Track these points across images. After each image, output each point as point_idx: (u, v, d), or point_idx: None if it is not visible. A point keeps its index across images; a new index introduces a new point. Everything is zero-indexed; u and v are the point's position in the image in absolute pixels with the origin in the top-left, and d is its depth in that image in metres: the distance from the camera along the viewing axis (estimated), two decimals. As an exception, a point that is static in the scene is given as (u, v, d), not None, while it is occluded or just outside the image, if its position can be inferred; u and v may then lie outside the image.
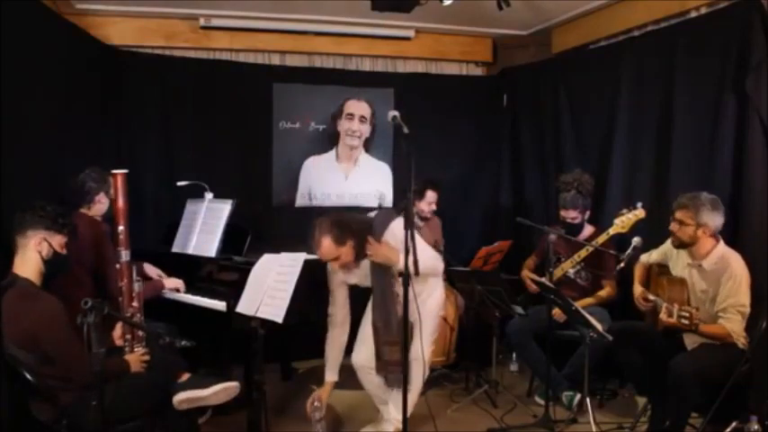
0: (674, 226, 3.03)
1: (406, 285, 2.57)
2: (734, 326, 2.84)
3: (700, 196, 2.97)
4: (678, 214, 3.00)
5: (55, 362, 2.32)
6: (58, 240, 2.50)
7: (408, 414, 2.71)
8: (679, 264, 3.14)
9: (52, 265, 2.49)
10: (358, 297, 3.18)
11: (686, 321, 2.75)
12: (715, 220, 2.94)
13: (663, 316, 2.84)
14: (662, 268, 3.26)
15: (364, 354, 3.14)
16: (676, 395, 2.80)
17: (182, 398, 2.58)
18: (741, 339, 2.85)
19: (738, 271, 2.88)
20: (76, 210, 3.23)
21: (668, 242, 3.18)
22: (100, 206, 3.25)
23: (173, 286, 3.35)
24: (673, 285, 3.08)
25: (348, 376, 3.28)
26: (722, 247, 2.98)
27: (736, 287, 2.86)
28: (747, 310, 2.86)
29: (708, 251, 2.98)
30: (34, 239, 2.44)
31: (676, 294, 3.03)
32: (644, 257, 3.38)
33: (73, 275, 2.99)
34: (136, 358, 2.57)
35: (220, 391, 2.66)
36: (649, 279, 3.34)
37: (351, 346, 3.24)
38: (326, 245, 2.82)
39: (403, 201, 2.59)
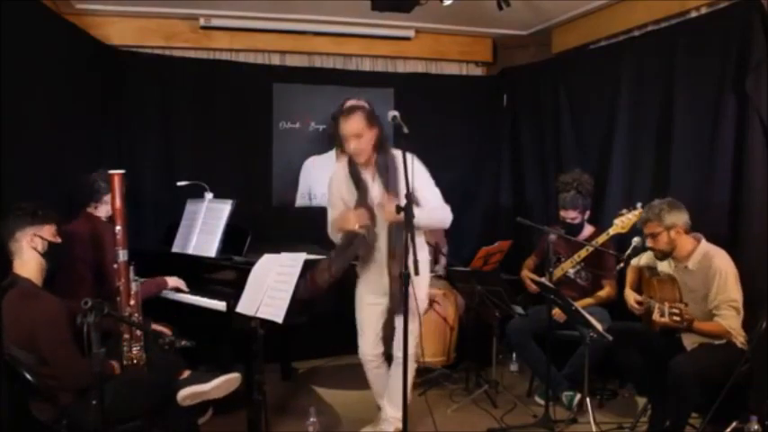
0: (649, 242, 3.08)
1: (406, 286, 2.57)
2: (730, 322, 2.85)
3: (653, 204, 3.05)
4: (647, 230, 3.06)
5: (48, 362, 2.32)
6: (47, 231, 2.51)
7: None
8: (665, 268, 3.17)
9: (51, 255, 2.50)
10: (345, 292, 3.19)
11: (677, 318, 2.76)
12: (680, 217, 2.98)
13: (656, 316, 2.87)
14: (652, 270, 3.27)
15: (368, 342, 3.15)
16: (676, 395, 2.80)
17: (185, 394, 2.60)
18: (740, 337, 2.86)
19: (723, 266, 2.90)
20: (83, 208, 3.25)
21: None
22: (107, 207, 3.25)
23: (175, 285, 3.36)
24: (663, 284, 3.10)
25: (348, 376, 3.28)
26: (704, 245, 3.00)
27: (723, 282, 2.87)
28: (740, 303, 2.88)
29: (690, 252, 3.00)
30: (25, 239, 2.45)
31: (668, 293, 3.04)
32: (634, 262, 3.40)
33: (77, 273, 3.00)
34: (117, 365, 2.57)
35: (222, 383, 2.69)
36: (641, 282, 3.35)
37: (352, 345, 3.25)
38: (358, 118, 2.90)
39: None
